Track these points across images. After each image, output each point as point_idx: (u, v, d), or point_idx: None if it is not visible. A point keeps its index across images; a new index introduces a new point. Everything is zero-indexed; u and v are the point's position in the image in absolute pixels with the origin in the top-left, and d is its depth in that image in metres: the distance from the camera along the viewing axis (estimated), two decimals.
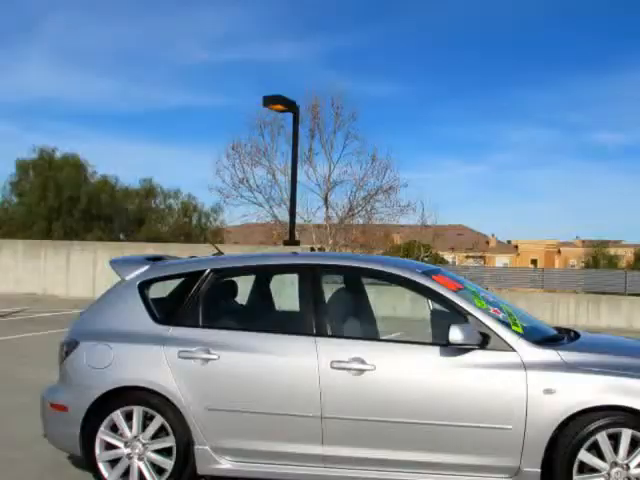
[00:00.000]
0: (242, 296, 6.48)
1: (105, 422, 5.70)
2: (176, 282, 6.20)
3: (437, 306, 5.80)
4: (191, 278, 6.01)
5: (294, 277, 5.89)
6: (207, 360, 5.60)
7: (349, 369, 5.37)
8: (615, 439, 5.11)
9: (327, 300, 5.91)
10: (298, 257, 6.30)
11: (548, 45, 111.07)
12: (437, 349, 5.37)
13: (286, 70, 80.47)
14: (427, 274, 5.81)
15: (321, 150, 38.31)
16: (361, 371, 5.36)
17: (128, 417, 5.69)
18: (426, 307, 6.13)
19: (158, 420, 5.65)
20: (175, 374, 5.62)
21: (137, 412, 5.67)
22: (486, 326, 5.35)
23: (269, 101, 19.42)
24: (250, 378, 5.55)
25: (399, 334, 6.05)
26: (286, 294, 6.50)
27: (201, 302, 5.88)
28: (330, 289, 6.06)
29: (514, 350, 5.28)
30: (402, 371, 5.38)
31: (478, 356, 5.28)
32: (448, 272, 6.38)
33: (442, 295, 5.57)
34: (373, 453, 5.38)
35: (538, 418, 5.13)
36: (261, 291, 6.53)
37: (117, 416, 5.69)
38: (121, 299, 6.05)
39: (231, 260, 6.43)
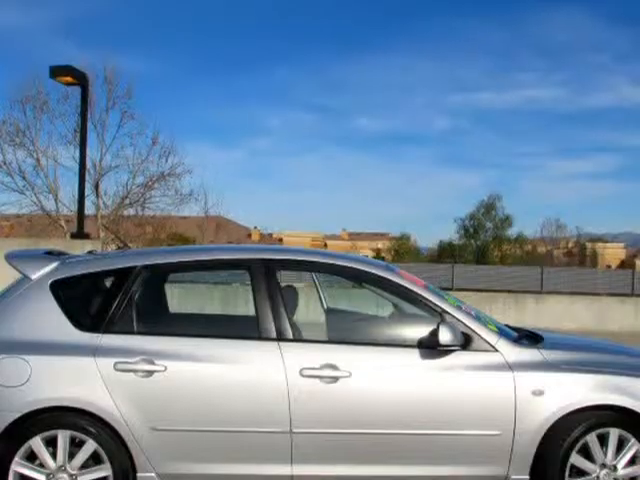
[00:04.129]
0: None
1: (21, 451, 4.75)
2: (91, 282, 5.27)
3: (407, 305, 5.31)
4: (118, 276, 5.13)
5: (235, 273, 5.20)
6: (151, 372, 4.79)
7: (321, 377, 4.79)
8: (601, 439, 4.94)
9: (287, 299, 5.20)
10: (249, 251, 5.52)
11: (304, 27, 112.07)
12: (416, 351, 4.92)
13: (15, 39, 74.17)
14: (391, 270, 5.32)
15: (93, 130, 35.87)
16: (335, 378, 4.79)
17: (50, 444, 4.77)
18: (396, 306, 5.63)
19: (90, 445, 4.77)
20: (111, 390, 4.75)
21: (62, 437, 4.76)
22: (466, 325, 4.98)
23: (57, 72, 17.10)
24: (204, 391, 4.81)
25: (373, 336, 5.42)
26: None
27: (135, 304, 5.02)
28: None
29: (497, 350, 4.96)
30: (380, 377, 4.87)
31: (460, 358, 4.90)
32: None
33: (415, 293, 5.11)
34: (350, 470, 4.85)
35: (528, 421, 4.85)
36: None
37: (37, 443, 4.75)
38: (31, 303, 5.02)
39: (165, 255, 5.56)
